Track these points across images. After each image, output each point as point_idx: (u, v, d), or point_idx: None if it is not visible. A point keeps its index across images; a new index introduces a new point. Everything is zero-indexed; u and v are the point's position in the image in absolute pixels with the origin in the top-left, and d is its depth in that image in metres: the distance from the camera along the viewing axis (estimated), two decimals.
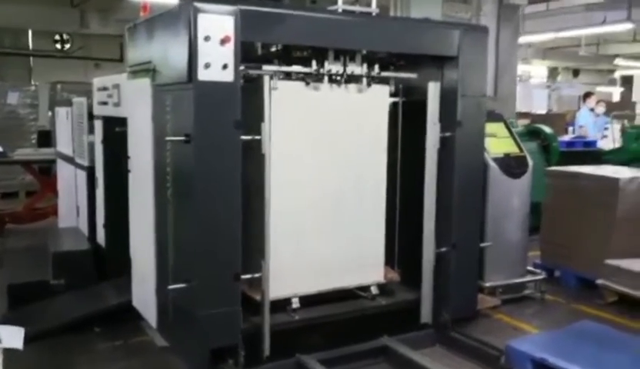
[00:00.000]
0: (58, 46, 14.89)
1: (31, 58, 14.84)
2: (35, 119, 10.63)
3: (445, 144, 4.28)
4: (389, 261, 4.48)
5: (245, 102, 3.53)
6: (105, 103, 5.02)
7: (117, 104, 4.70)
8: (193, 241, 3.45)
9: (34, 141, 10.40)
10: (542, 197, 6.08)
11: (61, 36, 14.73)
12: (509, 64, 7.96)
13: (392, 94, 4.31)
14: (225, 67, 3.34)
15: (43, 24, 13.16)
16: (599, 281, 5.35)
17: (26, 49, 14.78)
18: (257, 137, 3.60)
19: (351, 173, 4.14)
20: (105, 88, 5.01)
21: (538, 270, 5.62)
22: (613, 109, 14.18)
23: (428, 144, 4.25)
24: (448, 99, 4.26)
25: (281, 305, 3.93)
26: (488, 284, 5.13)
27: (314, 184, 4.01)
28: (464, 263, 4.39)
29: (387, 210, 4.36)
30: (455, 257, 4.32)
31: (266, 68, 3.69)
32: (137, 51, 4.19)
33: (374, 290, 4.27)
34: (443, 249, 4.33)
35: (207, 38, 3.28)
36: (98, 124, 5.26)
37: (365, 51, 4.06)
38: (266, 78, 3.61)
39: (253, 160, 3.66)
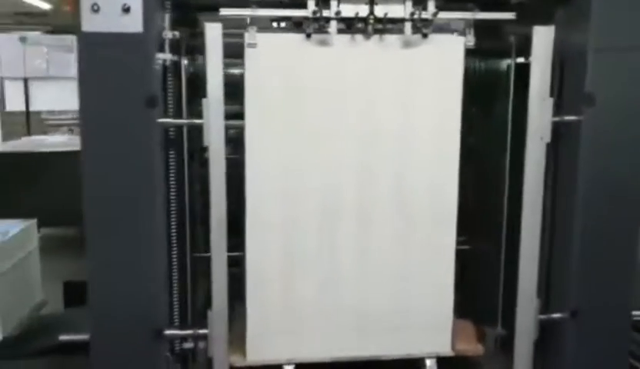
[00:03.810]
0: None
1: None
2: None
3: (562, 135, 2.47)
4: (488, 317, 2.81)
5: None
6: None
7: None
8: (93, 279, 2.33)
9: None
10: None
11: None
12: None
13: (471, 51, 2.60)
14: (126, 10, 2.15)
15: None
16: None
17: None
18: (198, 120, 2.34)
19: (390, 176, 2.56)
20: None
21: None
22: None
23: (529, 135, 2.47)
24: (569, 57, 2.43)
25: None
26: None
27: (324, 192, 2.55)
28: (596, 342, 2.53)
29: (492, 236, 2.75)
30: (577, 332, 2.50)
31: (225, 12, 2.36)
32: None
33: (430, 365, 2.67)
34: (555, 315, 2.54)
35: None
36: None
37: None
38: (209, 28, 2.29)
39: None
